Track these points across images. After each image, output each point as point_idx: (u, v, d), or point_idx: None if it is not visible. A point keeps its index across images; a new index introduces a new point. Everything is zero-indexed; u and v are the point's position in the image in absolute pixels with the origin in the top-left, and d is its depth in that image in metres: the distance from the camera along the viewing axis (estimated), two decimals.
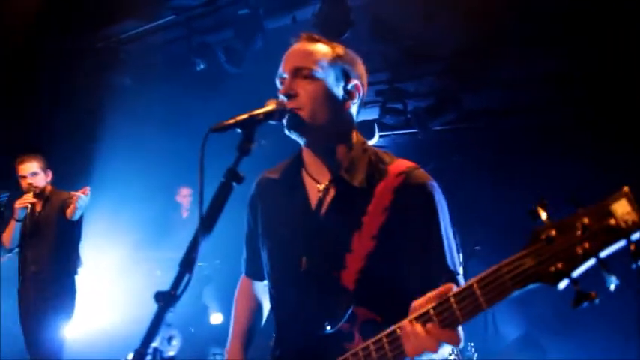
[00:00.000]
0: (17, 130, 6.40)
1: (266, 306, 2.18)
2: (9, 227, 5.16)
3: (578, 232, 1.25)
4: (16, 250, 5.24)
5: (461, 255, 5.50)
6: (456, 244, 1.90)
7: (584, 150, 5.71)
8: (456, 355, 5.02)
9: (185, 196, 7.55)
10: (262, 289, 2.16)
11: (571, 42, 5.39)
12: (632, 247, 1.20)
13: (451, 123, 6.85)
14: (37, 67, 6.78)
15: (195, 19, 6.28)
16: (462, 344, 1.54)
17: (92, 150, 6.98)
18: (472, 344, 5.52)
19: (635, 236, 1.20)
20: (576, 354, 5.46)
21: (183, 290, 1.45)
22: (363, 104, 2.00)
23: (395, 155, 1.95)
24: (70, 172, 5.99)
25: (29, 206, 5.04)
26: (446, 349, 1.52)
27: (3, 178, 5.43)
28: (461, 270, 1.83)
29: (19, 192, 5.13)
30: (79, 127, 7.00)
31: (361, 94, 1.95)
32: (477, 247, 5.79)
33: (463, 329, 1.71)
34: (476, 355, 5.50)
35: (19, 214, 5.05)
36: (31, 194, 5.04)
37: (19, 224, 5.11)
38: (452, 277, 1.75)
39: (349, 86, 1.91)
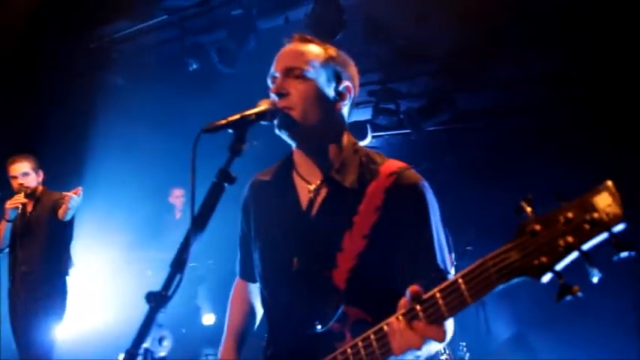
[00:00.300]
0: (9, 130, 6.37)
1: (259, 308, 2.18)
2: (0, 227, 5.13)
3: (562, 226, 1.26)
4: (7, 250, 5.21)
5: (453, 255, 5.52)
6: (448, 245, 1.90)
7: (580, 150, 5.74)
8: (448, 354, 5.04)
9: (177, 197, 7.53)
10: (256, 292, 2.17)
11: (567, 42, 5.42)
12: (614, 239, 1.21)
13: (444, 123, 6.88)
14: (29, 67, 6.75)
15: (188, 19, 6.27)
16: (447, 340, 1.54)
17: (84, 150, 6.95)
18: (464, 344, 5.54)
19: (616, 229, 1.21)
20: (569, 354, 5.48)
21: (175, 291, 1.45)
22: (355, 105, 2.01)
23: (387, 156, 1.96)
24: (62, 172, 5.97)
25: (20, 206, 5.01)
26: (432, 346, 1.52)
27: None
28: (452, 270, 1.84)
29: (11, 192, 5.10)
30: (71, 127, 6.96)
31: (352, 95, 1.96)
32: (468, 248, 5.80)
33: (455, 328, 1.72)
34: (468, 354, 5.52)
35: (9, 214, 5.02)
36: (22, 194, 5.01)
37: (9, 225, 5.08)
38: (442, 276, 1.75)
39: (340, 87, 1.92)
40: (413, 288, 1.46)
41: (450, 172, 6.51)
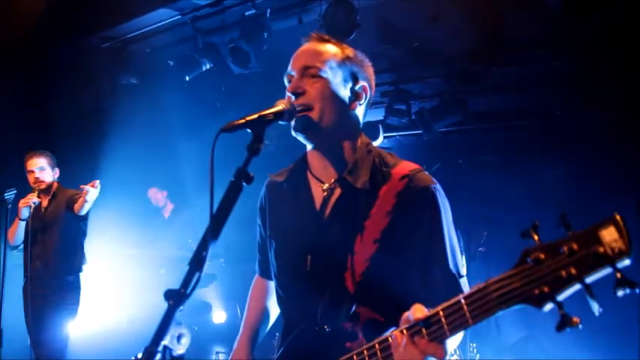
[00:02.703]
0: (25, 129, 6.42)
1: (276, 305, 2.20)
2: (13, 225, 5.17)
3: (566, 257, 1.25)
4: (21, 246, 5.26)
5: (464, 257, 5.52)
6: (460, 247, 1.90)
7: (592, 152, 5.73)
8: (458, 355, 5.04)
9: (152, 195, 7.46)
10: (274, 289, 2.19)
11: (576, 43, 5.40)
12: (619, 275, 1.19)
13: (456, 124, 6.88)
14: (44, 67, 6.81)
15: (202, 19, 6.30)
16: (447, 358, 1.55)
17: (98, 149, 7.00)
18: (474, 345, 5.54)
19: (621, 264, 1.19)
20: (579, 355, 5.46)
21: (193, 289, 1.45)
22: (369, 106, 2.01)
23: (399, 156, 1.96)
24: (75, 171, 6.00)
25: (32, 205, 5.05)
26: None
27: (12, 176, 5.45)
28: (464, 272, 1.84)
29: (27, 189, 5.15)
30: (85, 126, 7.02)
31: (368, 96, 1.96)
32: (480, 249, 5.81)
33: (466, 330, 1.73)
34: (478, 355, 5.52)
35: (22, 213, 5.06)
36: (35, 193, 5.06)
37: (23, 223, 5.13)
38: (454, 279, 1.76)
39: (357, 88, 1.91)
40: (416, 316, 1.47)
41: (462, 173, 6.51)
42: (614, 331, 5.36)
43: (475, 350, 5.51)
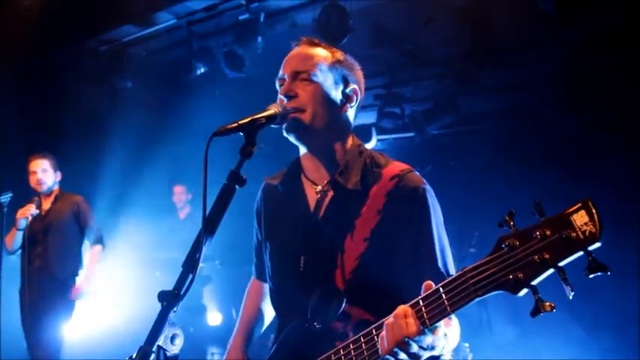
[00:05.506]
0: (23, 131, 6.43)
1: (270, 307, 2.23)
2: (11, 233, 5.18)
3: (539, 242, 1.28)
4: (19, 252, 5.26)
5: (455, 263, 5.54)
6: (451, 247, 1.92)
7: (582, 153, 5.76)
8: (451, 355, 5.06)
9: (177, 194, 7.49)
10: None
11: (568, 45, 5.44)
12: (590, 257, 1.22)
13: (448, 127, 6.90)
14: (43, 69, 6.82)
15: (197, 23, 6.33)
16: (440, 347, 1.57)
17: (96, 151, 7.00)
18: (467, 345, 5.56)
19: (592, 247, 1.22)
20: (572, 354, 5.49)
21: (187, 290, 1.48)
22: (360, 108, 2.04)
23: (391, 158, 1.98)
24: (72, 173, 6.01)
25: (30, 218, 5.07)
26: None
27: (9, 179, 5.47)
28: (454, 272, 1.86)
29: (23, 193, 5.16)
30: (81, 130, 7.02)
31: (359, 98, 1.99)
32: (472, 250, 5.84)
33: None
34: (471, 355, 5.54)
35: (20, 224, 5.07)
36: (34, 204, 5.08)
37: (20, 232, 5.14)
38: (443, 278, 1.77)
39: (348, 90, 1.95)
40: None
41: (454, 175, 6.53)
42: (614, 330, 5.39)
43: (468, 350, 5.53)
